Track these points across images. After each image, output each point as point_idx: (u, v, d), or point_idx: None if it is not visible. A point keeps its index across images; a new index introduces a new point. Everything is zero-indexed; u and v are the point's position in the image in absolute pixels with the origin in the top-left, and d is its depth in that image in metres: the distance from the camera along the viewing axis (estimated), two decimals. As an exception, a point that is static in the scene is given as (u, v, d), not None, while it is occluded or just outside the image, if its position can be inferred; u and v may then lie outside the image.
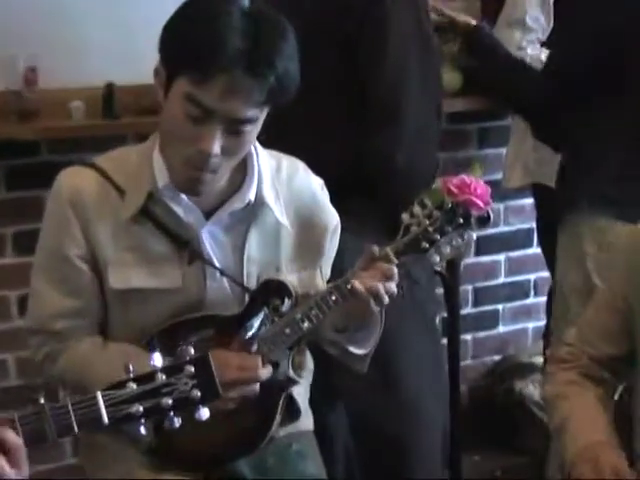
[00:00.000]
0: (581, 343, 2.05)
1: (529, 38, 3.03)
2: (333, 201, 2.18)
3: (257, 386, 1.97)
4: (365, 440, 2.70)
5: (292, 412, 2.16)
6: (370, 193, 2.52)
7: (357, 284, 1.97)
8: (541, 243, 3.42)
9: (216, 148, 1.88)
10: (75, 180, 2.03)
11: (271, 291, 2.03)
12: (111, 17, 3.08)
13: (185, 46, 1.85)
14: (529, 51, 3.02)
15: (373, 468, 2.73)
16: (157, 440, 1.98)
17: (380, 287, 1.97)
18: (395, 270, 1.98)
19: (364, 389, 2.57)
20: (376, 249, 2.00)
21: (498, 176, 3.36)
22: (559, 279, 2.96)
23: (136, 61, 2.96)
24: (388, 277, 1.97)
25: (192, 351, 1.55)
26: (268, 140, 2.03)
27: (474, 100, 3.43)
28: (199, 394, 1.53)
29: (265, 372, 1.98)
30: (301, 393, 2.18)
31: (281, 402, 2.09)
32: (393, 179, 2.49)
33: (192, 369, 1.54)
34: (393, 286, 1.98)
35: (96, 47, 3.06)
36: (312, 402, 2.25)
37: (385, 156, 2.49)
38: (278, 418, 2.10)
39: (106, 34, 3.07)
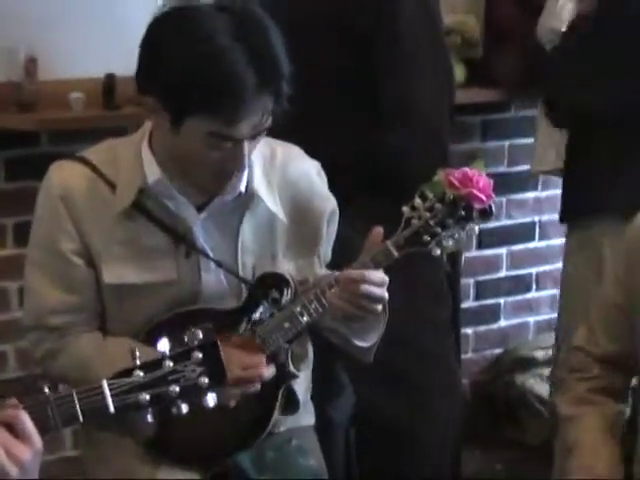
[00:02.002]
0: (589, 345, 2.05)
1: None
2: (343, 200, 2.16)
3: (259, 384, 1.97)
4: (371, 433, 2.69)
5: (291, 404, 2.14)
6: (380, 191, 2.51)
7: (333, 299, 1.95)
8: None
9: (246, 161, 1.91)
10: (64, 176, 2.02)
11: (269, 284, 2.02)
12: (112, 8, 3.07)
13: (200, 90, 1.81)
14: None
15: (377, 461, 2.72)
16: (156, 433, 1.98)
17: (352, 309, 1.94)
18: (383, 277, 1.94)
19: (373, 382, 2.56)
20: (380, 235, 1.96)
21: (501, 169, 3.34)
22: (572, 282, 2.88)
23: (136, 52, 2.94)
24: (375, 284, 1.93)
25: (200, 335, 1.51)
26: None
27: (477, 92, 3.42)
28: (207, 381, 1.50)
29: (269, 371, 1.99)
30: (301, 384, 2.16)
31: (280, 396, 2.08)
32: (407, 174, 2.48)
33: (200, 355, 1.50)
34: (381, 291, 1.95)
35: (96, 38, 3.05)
36: (313, 396, 2.24)
37: (401, 152, 2.49)
38: (277, 411, 2.09)
39: (106, 25, 3.06)
